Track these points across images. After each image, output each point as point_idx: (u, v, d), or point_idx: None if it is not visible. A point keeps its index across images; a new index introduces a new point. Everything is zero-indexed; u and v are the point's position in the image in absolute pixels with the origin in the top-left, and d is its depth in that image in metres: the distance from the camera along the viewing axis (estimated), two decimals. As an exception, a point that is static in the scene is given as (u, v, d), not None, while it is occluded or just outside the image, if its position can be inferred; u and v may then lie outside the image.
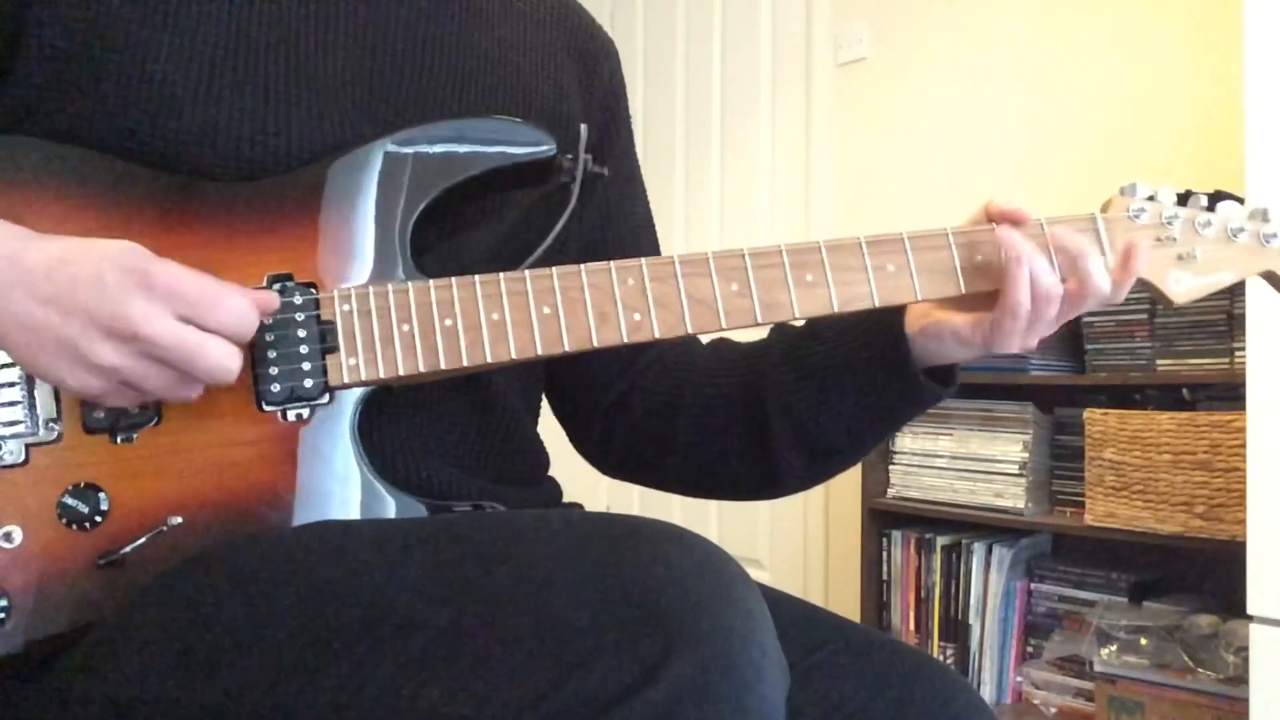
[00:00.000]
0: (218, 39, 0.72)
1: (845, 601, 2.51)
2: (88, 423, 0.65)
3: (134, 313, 0.59)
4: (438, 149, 0.73)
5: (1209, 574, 1.94)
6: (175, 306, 0.60)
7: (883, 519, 2.32)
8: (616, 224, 0.90)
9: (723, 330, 0.74)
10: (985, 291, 0.75)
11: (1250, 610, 1.54)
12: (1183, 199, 0.80)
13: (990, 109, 2.47)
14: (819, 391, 0.79)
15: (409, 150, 0.72)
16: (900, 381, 0.77)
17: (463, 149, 0.73)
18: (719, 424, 0.84)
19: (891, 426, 0.82)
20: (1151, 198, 0.79)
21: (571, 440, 0.94)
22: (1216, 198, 0.81)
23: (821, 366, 0.79)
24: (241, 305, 0.63)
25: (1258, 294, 1.55)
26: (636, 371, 0.88)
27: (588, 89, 0.88)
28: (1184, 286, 0.79)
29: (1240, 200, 0.82)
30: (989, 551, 2.17)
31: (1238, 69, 1.58)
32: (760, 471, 0.84)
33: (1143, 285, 0.79)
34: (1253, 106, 1.55)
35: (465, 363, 0.69)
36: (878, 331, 0.78)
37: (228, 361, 0.62)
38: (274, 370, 0.67)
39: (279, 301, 0.66)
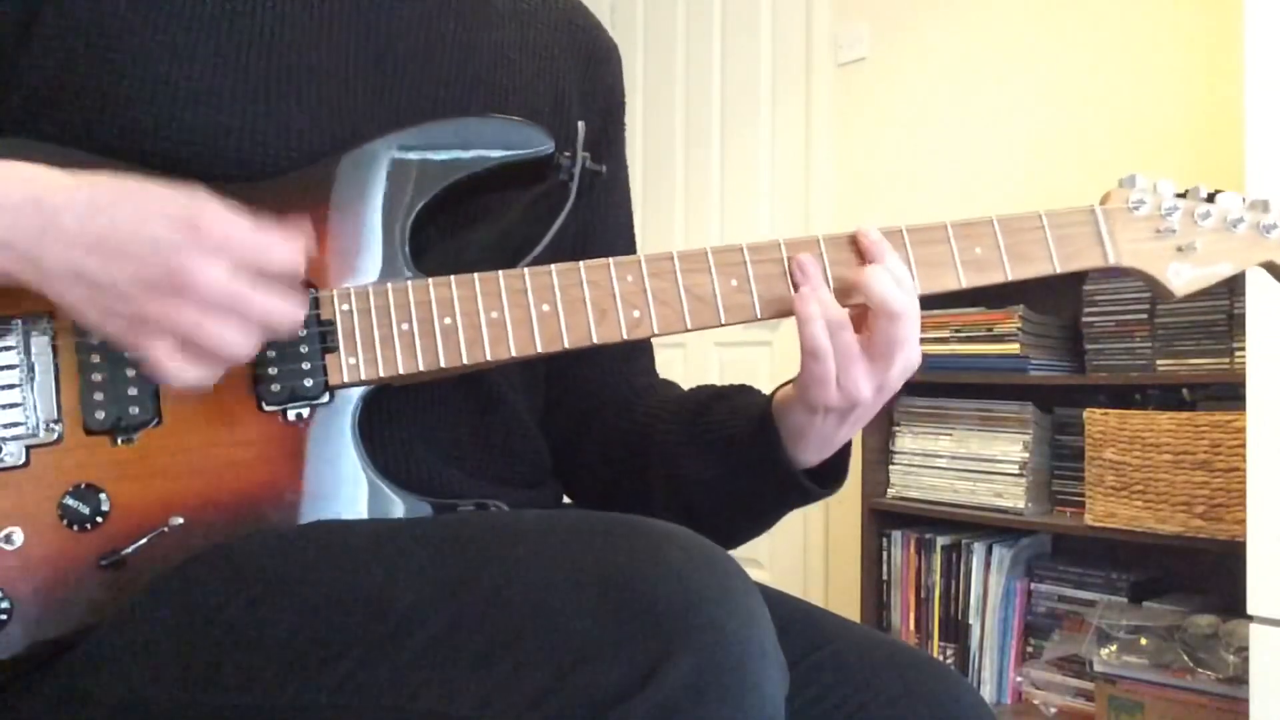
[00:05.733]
0: (221, 40, 0.72)
1: (845, 601, 2.51)
2: (88, 424, 0.65)
3: (190, 267, 0.58)
4: (437, 148, 0.73)
5: (1209, 574, 1.94)
6: (230, 257, 0.60)
7: (883, 519, 2.33)
8: (600, 228, 0.90)
9: (722, 325, 0.74)
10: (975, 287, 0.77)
11: (1250, 610, 1.54)
12: (1181, 195, 0.80)
13: (990, 108, 2.47)
14: (701, 451, 0.79)
15: (409, 150, 0.72)
16: (767, 461, 0.75)
17: (462, 148, 0.73)
18: (615, 454, 0.85)
19: (756, 510, 0.79)
20: (1151, 190, 0.79)
21: None
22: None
23: (706, 433, 0.79)
24: (292, 248, 0.62)
25: (1258, 293, 1.55)
26: (568, 381, 0.88)
27: (587, 92, 0.89)
28: (1184, 279, 0.79)
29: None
30: (989, 551, 2.17)
31: (1238, 68, 1.58)
32: (639, 506, 0.82)
33: (1143, 278, 0.79)
34: (1253, 105, 1.55)
35: (465, 361, 0.69)
36: (761, 415, 0.76)
37: (288, 308, 0.62)
38: (274, 370, 0.67)
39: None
